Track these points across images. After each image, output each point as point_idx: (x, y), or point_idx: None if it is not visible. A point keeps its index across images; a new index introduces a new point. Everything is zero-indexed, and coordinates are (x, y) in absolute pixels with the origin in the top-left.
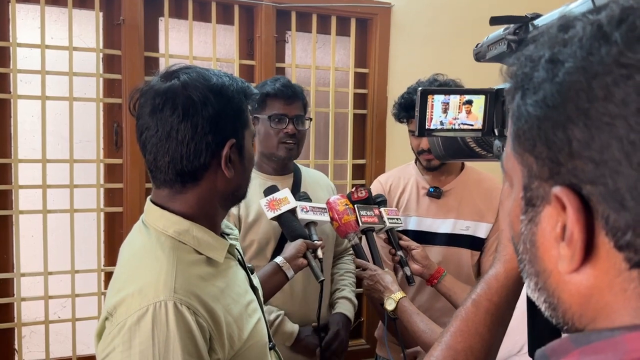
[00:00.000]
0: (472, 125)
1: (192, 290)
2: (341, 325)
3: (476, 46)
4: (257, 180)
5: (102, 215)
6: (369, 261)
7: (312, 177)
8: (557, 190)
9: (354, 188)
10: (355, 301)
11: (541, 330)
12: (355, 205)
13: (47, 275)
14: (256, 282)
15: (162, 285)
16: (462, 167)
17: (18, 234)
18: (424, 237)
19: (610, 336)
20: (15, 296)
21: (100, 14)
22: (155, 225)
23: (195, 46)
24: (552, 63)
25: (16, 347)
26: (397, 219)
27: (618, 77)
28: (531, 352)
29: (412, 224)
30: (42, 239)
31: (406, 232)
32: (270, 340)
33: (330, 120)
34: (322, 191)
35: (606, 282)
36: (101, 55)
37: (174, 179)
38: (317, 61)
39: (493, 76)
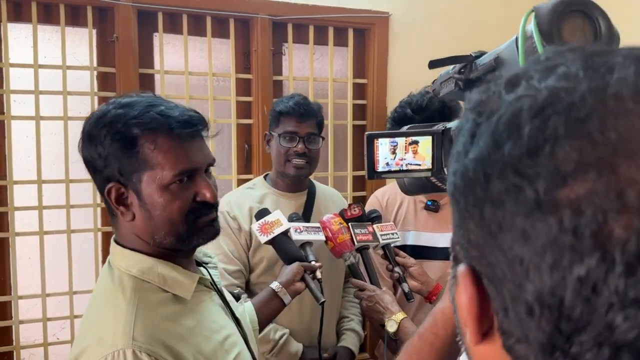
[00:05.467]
0: (419, 165)
1: (154, 335)
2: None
3: (433, 82)
4: (271, 197)
5: (99, 235)
6: (365, 281)
7: (327, 194)
8: (461, 269)
9: (347, 206)
10: (362, 333)
11: None
12: (350, 224)
13: (44, 297)
14: (240, 311)
15: (120, 333)
16: None
17: (15, 256)
18: (423, 252)
19: None
20: (13, 319)
21: (94, 31)
22: (119, 265)
23: (190, 61)
24: (470, 136)
25: None
26: (392, 233)
27: (511, 186)
28: None
29: (411, 239)
30: (39, 260)
31: (404, 247)
32: None
33: (329, 132)
34: (335, 209)
35: None
36: (95, 73)
37: (107, 208)
38: (315, 72)
39: None
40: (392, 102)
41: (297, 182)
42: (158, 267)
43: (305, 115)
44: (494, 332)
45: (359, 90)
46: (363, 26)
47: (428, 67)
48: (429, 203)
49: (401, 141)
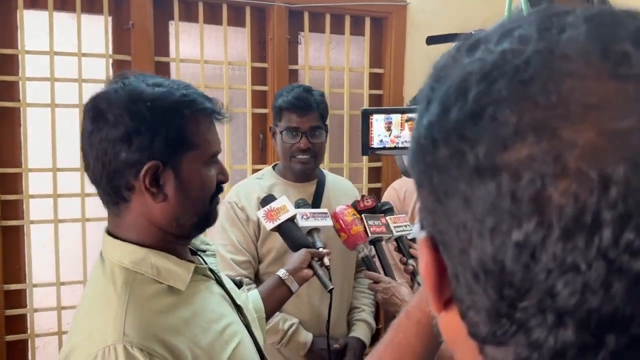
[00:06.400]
0: None
1: (147, 329)
2: (357, 353)
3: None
4: (279, 187)
5: None
6: (380, 273)
7: (337, 184)
8: (421, 235)
9: (360, 197)
10: (374, 325)
11: None
12: (363, 215)
13: (59, 285)
14: (243, 298)
15: (110, 329)
16: None
17: (29, 245)
18: None
19: None
20: (27, 307)
21: (109, 18)
22: (111, 258)
23: (206, 49)
24: (426, 102)
25: (30, 358)
26: (405, 225)
27: (455, 151)
28: None
29: None
30: (54, 248)
31: None
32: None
33: (345, 123)
34: (345, 198)
35: (463, 336)
36: (110, 60)
37: (106, 199)
38: (331, 62)
39: None
40: (409, 92)
41: (305, 174)
42: (151, 258)
43: (307, 109)
44: (452, 300)
45: (375, 80)
46: (380, 15)
47: (425, 44)
48: None
49: (397, 118)
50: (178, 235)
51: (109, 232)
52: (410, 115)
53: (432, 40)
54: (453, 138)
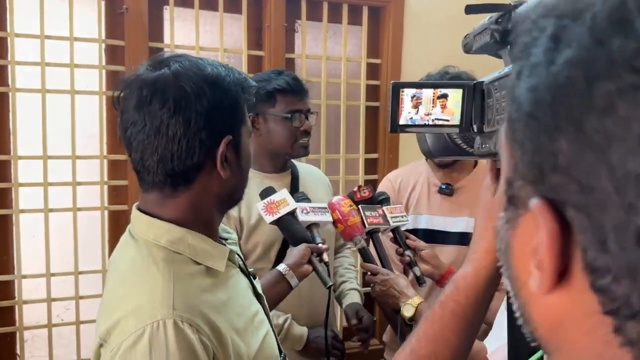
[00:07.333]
0: (447, 120)
1: (194, 305)
2: (360, 313)
3: (465, 37)
4: (256, 180)
5: (106, 213)
6: (377, 264)
7: (309, 173)
8: (535, 204)
9: (356, 187)
10: (362, 293)
11: (519, 336)
12: (360, 206)
13: (49, 276)
14: (259, 289)
15: (159, 303)
16: (475, 164)
17: (19, 234)
18: (436, 236)
19: None
20: (16, 299)
21: (102, 2)
22: (145, 236)
23: (201, 36)
24: (553, 42)
25: (18, 351)
26: (401, 216)
27: (627, 85)
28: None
29: (423, 222)
30: (44, 239)
31: (416, 231)
32: (280, 352)
33: (341, 113)
34: (319, 187)
35: (576, 317)
36: (103, 45)
37: (163, 180)
38: (327, 51)
39: None
40: None
41: (284, 163)
42: (189, 238)
43: (303, 90)
44: (571, 275)
45: (373, 71)
46: (378, 4)
47: (465, 13)
48: (443, 186)
49: (428, 94)
50: (222, 212)
51: (141, 210)
52: (443, 90)
53: (470, 9)
54: (621, 71)
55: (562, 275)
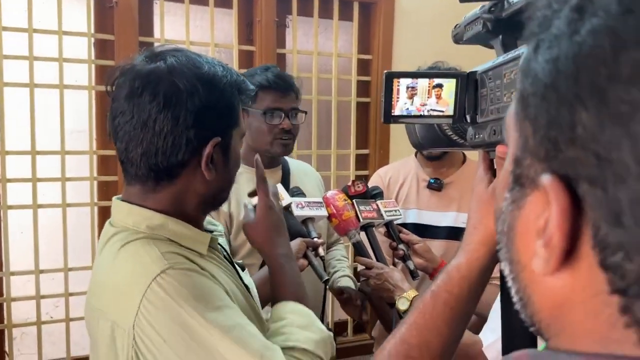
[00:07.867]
0: (442, 111)
1: (185, 262)
2: (354, 292)
3: (455, 27)
4: (245, 176)
5: (95, 209)
6: (371, 259)
7: (300, 168)
8: (546, 180)
9: (351, 182)
10: (355, 280)
11: (514, 329)
12: (354, 200)
13: (38, 273)
14: (247, 280)
15: (150, 264)
16: (464, 159)
17: (7, 231)
18: (424, 231)
19: None
20: (4, 296)
21: None
22: (124, 223)
23: (192, 31)
24: (577, 12)
25: (7, 349)
26: (395, 210)
27: None
28: (505, 353)
29: (412, 217)
30: (33, 235)
31: (405, 226)
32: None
33: (332, 109)
34: (310, 183)
35: (581, 298)
36: (93, 40)
37: (146, 174)
38: (318, 47)
39: None
40: None
41: (273, 159)
42: (169, 224)
43: (288, 88)
44: (578, 254)
45: (363, 67)
46: (369, 0)
47: (459, 1)
48: (432, 181)
49: (424, 84)
50: (205, 212)
51: (122, 200)
52: (438, 80)
53: None
54: None
55: (569, 254)
